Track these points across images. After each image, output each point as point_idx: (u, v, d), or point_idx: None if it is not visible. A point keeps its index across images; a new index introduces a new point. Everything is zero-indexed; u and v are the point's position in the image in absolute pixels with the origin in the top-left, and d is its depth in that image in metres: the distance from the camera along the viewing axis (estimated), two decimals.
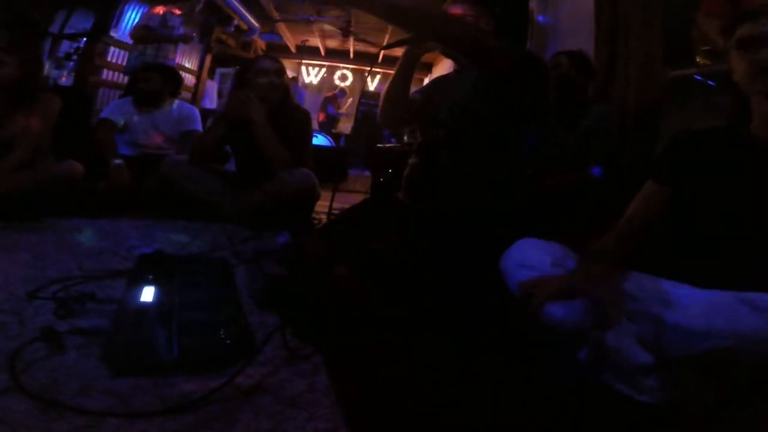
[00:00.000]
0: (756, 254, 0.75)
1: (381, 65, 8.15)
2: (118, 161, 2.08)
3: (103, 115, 2.34)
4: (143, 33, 3.22)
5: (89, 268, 1.16)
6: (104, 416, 0.58)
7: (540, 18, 3.53)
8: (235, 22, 5.88)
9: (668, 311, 0.69)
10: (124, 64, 3.70)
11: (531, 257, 0.87)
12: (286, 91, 2.02)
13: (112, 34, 4.07)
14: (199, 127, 2.47)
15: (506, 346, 0.89)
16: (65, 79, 3.87)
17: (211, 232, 1.69)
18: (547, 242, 0.91)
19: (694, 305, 0.69)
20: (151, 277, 1.01)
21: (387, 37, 6.69)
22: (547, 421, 0.69)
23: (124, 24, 4.17)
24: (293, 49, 7.78)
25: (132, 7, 4.24)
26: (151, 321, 0.83)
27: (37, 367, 0.68)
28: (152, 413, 0.60)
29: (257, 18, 6.06)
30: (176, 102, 2.46)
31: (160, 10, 3.35)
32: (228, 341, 0.80)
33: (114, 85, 4.18)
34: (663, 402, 0.68)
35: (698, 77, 1.92)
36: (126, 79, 3.28)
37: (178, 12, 3.38)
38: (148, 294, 0.92)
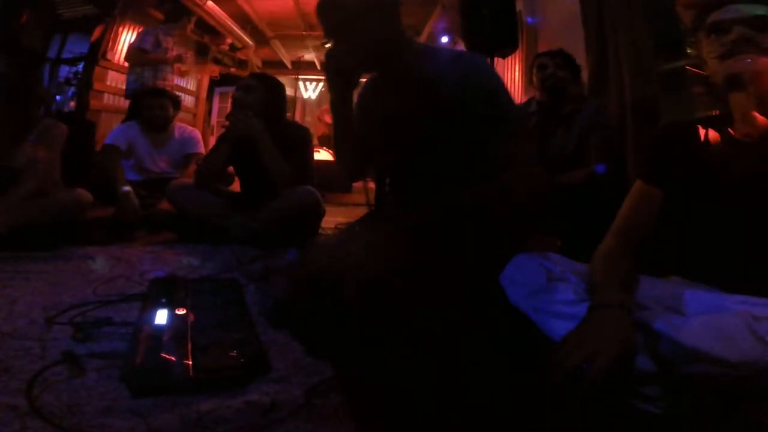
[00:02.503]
0: (745, 251, 0.76)
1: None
2: (125, 188, 2.13)
3: (108, 141, 2.39)
4: (138, 55, 3.25)
5: (104, 294, 1.20)
6: None
7: (529, 19, 3.60)
8: (230, 41, 6.01)
9: (671, 326, 0.69)
10: (123, 87, 3.77)
11: (525, 274, 0.87)
12: (278, 108, 2.04)
13: (109, 57, 4.12)
14: (202, 150, 2.53)
15: (510, 354, 0.91)
16: (72, 105, 3.95)
17: (219, 253, 1.73)
18: (543, 255, 0.92)
19: (698, 321, 0.68)
20: (164, 300, 1.05)
21: None
22: (549, 427, 0.70)
23: (120, 47, 4.23)
24: (289, 65, 7.92)
25: (126, 30, 4.30)
26: (167, 343, 0.87)
27: (60, 389, 0.72)
28: None
29: (251, 36, 6.19)
30: (177, 125, 2.53)
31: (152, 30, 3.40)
32: (241, 360, 0.83)
33: (116, 110, 4.23)
34: (664, 412, 0.67)
35: (690, 68, 1.94)
36: (125, 103, 3.33)
37: (171, 32, 3.45)
38: (162, 317, 0.96)
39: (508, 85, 4.31)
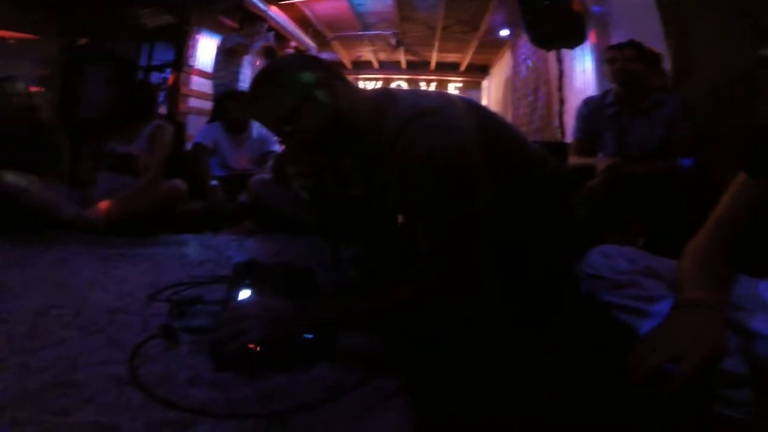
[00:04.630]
0: None
1: (435, 72, 8.06)
2: (213, 182, 2.25)
3: (196, 140, 2.52)
4: (231, 53, 3.26)
5: (196, 275, 1.26)
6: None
7: (595, 9, 3.28)
8: (294, 44, 6.10)
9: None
10: (204, 91, 3.88)
11: (607, 266, 0.78)
12: None
13: (191, 63, 4.25)
14: (277, 148, 2.59)
15: (586, 349, 0.80)
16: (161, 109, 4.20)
17: (295, 242, 1.76)
18: (626, 248, 0.82)
19: None
20: (247, 282, 1.06)
21: (436, 44, 6.60)
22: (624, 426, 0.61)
23: (199, 53, 4.35)
24: (349, 65, 7.95)
25: (203, 36, 4.41)
26: None
27: (156, 360, 0.74)
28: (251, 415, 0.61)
29: (312, 38, 6.26)
30: (255, 124, 2.60)
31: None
32: (312, 339, 0.80)
33: (201, 112, 4.35)
34: (750, 418, 0.56)
35: None
36: (208, 105, 3.45)
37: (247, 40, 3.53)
38: (245, 297, 0.96)
39: (579, 75, 3.95)
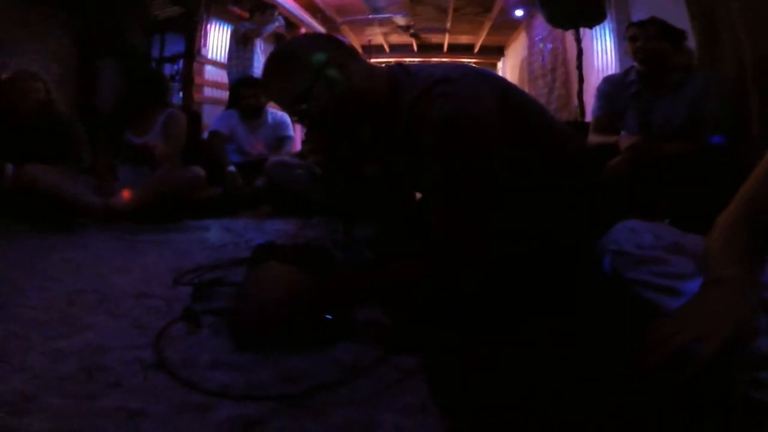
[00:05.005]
0: None
1: (448, 54, 7.83)
2: (231, 168, 2.24)
3: (213, 127, 2.52)
4: (244, 38, 3.27)
5: (217, 259, 1.26)
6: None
7: None
8: (303, 29, 5.99)
9: None
10: (219, 81, 3.84)
11: (631, 241, 0.73)
12: None
13: (203, 53, 4.22)
14: (292, 133, 2.56)
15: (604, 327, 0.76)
16: (174, 98, 4.18)
17: (311, 224, 1.76)
18: (646, 223, 0.77)
19: None
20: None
21: (448, 26, 6.38)
22: (652, 417, 0.56)
23: (211, 43, 4.32)
24: (360, 50, 7.79)
25: (214, 25, 4.36)
26: None
27: (179, 343, 0.74)
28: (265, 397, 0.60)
29: (322, 23, 6.13)
30: (269, 110, 2.56)
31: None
32: (329, 320, 0.78)
33: (215, 101, 4.34)
34: None
35: None
36: (223, 94, 3.41)
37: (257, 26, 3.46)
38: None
39: (599, 54, 3.76)
